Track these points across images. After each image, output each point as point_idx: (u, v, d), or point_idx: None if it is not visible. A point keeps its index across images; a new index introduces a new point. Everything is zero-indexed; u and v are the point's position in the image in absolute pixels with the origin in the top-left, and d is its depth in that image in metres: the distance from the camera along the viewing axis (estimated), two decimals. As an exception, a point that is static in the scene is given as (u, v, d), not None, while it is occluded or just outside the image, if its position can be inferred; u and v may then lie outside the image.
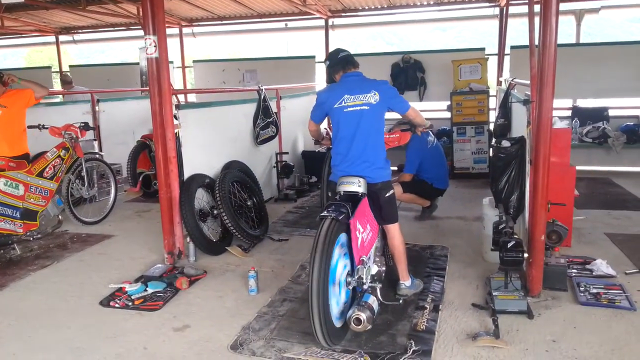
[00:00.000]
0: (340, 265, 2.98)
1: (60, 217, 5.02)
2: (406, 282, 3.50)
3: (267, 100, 6.17)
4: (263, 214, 5.13)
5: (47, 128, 5.17)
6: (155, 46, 4.01)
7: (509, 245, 3.28)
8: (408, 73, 8.34)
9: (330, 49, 8.72)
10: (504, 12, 8.00)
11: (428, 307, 3.36)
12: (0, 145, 4.60)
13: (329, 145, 3.80)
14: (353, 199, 3.14)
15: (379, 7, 8.67)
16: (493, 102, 7.79)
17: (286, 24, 10.07)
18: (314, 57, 9.37)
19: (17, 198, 4.56)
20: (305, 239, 4.86)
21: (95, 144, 6.95)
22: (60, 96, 8.70)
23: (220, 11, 9.20)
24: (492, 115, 7.42)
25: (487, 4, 8.41)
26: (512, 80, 5.76)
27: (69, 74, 9.30)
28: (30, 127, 5.10)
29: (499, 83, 7.79)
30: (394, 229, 3.42)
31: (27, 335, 3.17)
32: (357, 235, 2.97)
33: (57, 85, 9.69)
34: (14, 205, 4.53)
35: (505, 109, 5.64)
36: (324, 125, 3.89)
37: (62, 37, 11.05)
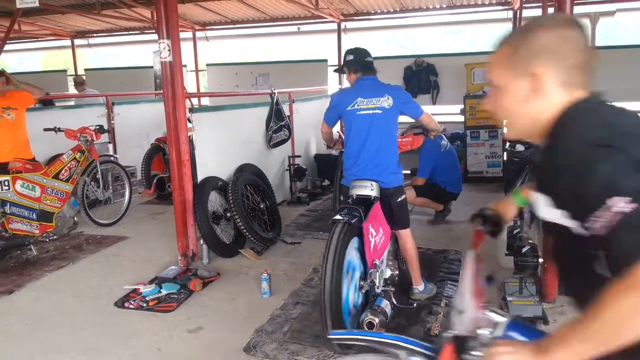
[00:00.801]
0: (351, 291, 2.97)
1: (75, 218, 5.08)
2: (419, 286, 3.49)
3: (279, 103, 6.18)
4: (276, 216, 5.14)
5: (62, 131, 5.23)
6: (169, 50, 4.04)
7: (524, 249, 3.24)
8: (421, 76, 8.31)
9: (343, 53, 8.67)
10: (518, 16, 7.92)
11: (441, 311, 3.34)
12: (16, 148, 4.67)
13: (341, 148, 3.80)
14: (365, 202, 3.13)
15: (392, 10, 8.65)
16: (507, 106, 7.72)
17: (299, 28, 10.09)
18: (326, 60, 9.38)
19: (34, 200, 4.62)
20: (317, 242, 4.85)
21: (110, 146, 7.02)
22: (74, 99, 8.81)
23: (233, 15, 9.26)
24: (506, 119, 7.36)
25: (501, 8, 8.35)
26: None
27: (82, 76, 9.45)
28: (46, 129, 5.19)
29: (513, 86, 7.72)
30: (405, 234, 3.41)
31: (43, 336, 3.21)
32: (369, 239, 2.96)
33: (72, 89, 9.83)
34: (31, 207, 4.60)
35: (519, 112, 5.60)
36: (336, 128, 3.90)
37: (77, 41, 11.19)
